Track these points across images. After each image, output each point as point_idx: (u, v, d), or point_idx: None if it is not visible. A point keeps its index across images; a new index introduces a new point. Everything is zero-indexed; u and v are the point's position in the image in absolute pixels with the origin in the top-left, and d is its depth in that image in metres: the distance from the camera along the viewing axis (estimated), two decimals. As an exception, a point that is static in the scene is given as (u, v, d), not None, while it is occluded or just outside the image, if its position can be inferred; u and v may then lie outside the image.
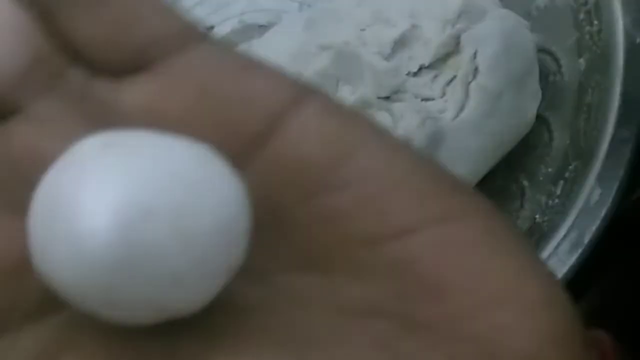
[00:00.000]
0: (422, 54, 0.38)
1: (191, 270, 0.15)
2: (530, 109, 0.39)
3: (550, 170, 0.39)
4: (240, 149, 0.17)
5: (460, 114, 0.37)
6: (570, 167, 0.37)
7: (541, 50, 0.40)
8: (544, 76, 0.40)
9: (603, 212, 0.35)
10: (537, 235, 0.36)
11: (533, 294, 0.17)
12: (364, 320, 0.17)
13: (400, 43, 0.38)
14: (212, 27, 0.43)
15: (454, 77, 0.38)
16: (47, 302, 0.17)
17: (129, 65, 0.18)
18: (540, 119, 0.39)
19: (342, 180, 0.18)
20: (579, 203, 0.35)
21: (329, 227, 0.18)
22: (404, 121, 0.37)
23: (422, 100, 0.38)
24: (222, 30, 0.43)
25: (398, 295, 0.17)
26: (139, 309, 0.15)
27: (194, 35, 0.19)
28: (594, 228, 0.35)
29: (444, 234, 0.18)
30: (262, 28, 0.42)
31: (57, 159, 0.16)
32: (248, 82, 0.19)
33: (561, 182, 0.37)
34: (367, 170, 0.18)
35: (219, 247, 0.16)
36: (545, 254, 0.34)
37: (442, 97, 0.38)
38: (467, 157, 0.37)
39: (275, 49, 0.38)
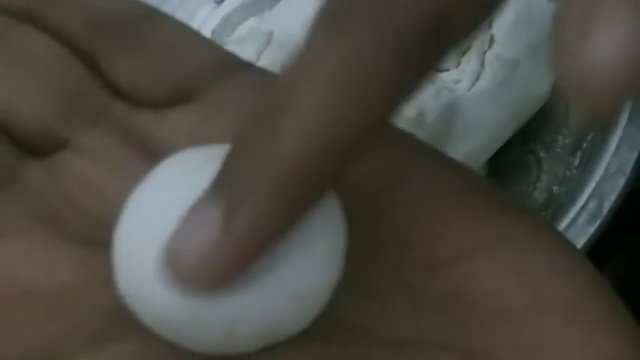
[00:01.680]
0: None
1: (309, 286, 0.15)
2: (548, 79, 0.38)
3: (567, 141, 0.38)
4: None
5: (476, 84, 0.37)
6: (588, 138, 0.37)
7: (558, 19, 0.39)
8: (560, 46, 0.39)
9: (622, 182, 0.34)
10: (555, 207, 0.35)
11: (598, 318, 0.16)
12: (426, 354, 0.16)
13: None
14: (221, 1, 0.43)
15: (469, 47, 0.37)
16: (106, 331, 0.17)
17: (169, 97, 0.19)
18: (557, 89, 0.39)
19: (393, 203, 0.18)
20: (598, 173, 0.34)
21: (384, 254, 0.17)
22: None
23: (437, 71, 0.37)
24: (232, 3, 0.43)
25: (459, 325, 0.17)
26: (254, 332, 0.15)
27: (232, 66, 0.20)
28: (613, 198, 0.34)
29: (502, 258, 0.17)
30: (273, 1, 0.42)
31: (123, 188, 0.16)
32: None
33: (579, 152, 0.37)
34: (417, 193, 0.18)
35: (332, 263, 0.15)
36: (563, 225, 0.34)
37: (457, 67, 0.37)
38: (483, 129, 0.37)
39: (287, 20, 0.37)
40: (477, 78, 0.37)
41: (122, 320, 0.16)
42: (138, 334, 0.16)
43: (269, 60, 0.35)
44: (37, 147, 0.19)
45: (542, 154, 0.38)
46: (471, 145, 0.36)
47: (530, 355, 0.16)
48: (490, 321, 0.16)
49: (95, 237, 0.17)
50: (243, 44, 0.36)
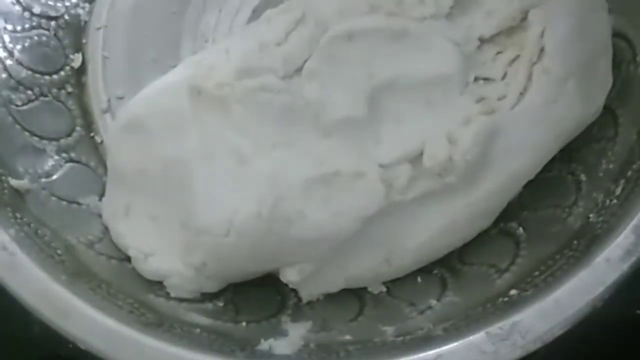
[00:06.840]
0: (483, 24, 0.35)
1: None
2: (599, 97, 0.36)
3: (612, 166, 0.35)
4: None
5: (522, 99, 0.34)
6: (634, 166, 0.34)
7: (617, 34, 0.37)
8: (616, 64, 0.37)
9: (665, 220, 0.32)
10: (589, 237, 0.33)
11: None
12: None
13: (459, 6, 0.35)
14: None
15: (517, 56, 0.35)
16: None
17: None
18: (607, 109, 0.36)
19: None
20: (639, 207, 0.32)
21: None
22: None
23: (482, 80, 0.35)
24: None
25: None
26: None
27: None
28: (652, 236, 0.32)
29: None
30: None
31: None
32: None
33: (622, 181, 0.34)
34: None
35: None
36: (596, 258, 0.32)
37: (502, 78, 0.35)
38: (526, 148, 0.34)
39: (320, 5, 0.35)
40: (524, 92, 0.34)
41: None
42: None
43: (299, 39, 0.33)
44: None
45: (582, 177, 0.36)
46: (514, 166, 0.34)
47: None
48: None
49: None
50: (270, 22, 0.34)
